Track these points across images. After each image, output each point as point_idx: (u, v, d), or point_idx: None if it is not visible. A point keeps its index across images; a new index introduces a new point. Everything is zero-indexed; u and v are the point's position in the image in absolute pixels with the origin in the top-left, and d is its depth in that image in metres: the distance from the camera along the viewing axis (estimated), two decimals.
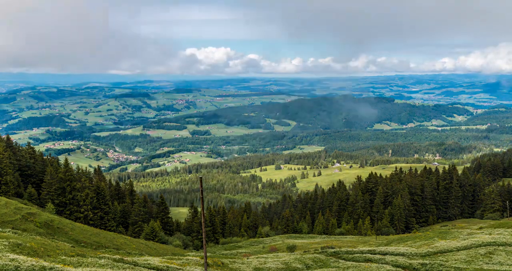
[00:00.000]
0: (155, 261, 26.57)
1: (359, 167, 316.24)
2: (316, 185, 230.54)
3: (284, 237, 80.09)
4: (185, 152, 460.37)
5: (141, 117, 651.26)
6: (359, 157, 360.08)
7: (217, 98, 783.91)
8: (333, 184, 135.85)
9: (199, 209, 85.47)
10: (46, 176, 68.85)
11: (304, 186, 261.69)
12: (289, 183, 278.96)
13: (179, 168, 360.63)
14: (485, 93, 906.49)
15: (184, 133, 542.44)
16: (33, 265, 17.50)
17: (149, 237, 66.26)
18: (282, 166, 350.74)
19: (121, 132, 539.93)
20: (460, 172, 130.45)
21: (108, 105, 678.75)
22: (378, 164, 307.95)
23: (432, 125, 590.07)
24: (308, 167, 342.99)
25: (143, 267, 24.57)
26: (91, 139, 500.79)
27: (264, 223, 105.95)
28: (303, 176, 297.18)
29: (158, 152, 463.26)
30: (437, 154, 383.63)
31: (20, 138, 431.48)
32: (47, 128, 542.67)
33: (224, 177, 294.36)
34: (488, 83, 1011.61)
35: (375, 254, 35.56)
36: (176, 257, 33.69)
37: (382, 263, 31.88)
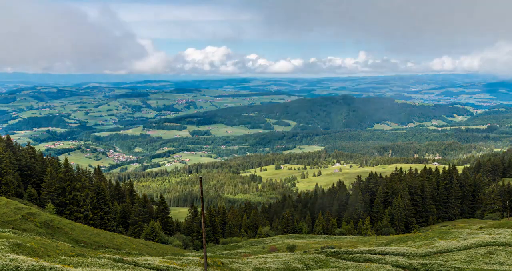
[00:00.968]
0: (155, 261, 26.57)
1: (359, 167, 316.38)
2: (316, 185, 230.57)
3: (284, 237, 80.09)
4: (185, 152, 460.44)
5: (141, 117, 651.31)
6: (359, 157, 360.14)
7: (217, 98, 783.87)
8: (333, 184, 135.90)
9: (199, 209, 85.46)
10: (46, 176, 68.85)
11: (304, 186, 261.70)
12: (289, 183, 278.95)
13: (179, 168, 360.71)
14: (485, 93, 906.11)
15: (184, 133, 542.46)
16: (33, 265, 17.50)
17: (149, 237, 66.25)
18: (282, 166, 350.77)
19: (121, 132, 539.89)
20: (460, 172, 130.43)
21: (108, 105, 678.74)
22: (378, 164, 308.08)
23: (432, 125, 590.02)
24: (308, 167, 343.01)
25: (143, 267, 24.56)
26: (91, 139, 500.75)
27: (264, 223, 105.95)
28: (303, 176, 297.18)
29: (158, 152, 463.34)
30: (437, 154, 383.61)
31: (20, 138, 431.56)
32: (47, 128, 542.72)
33: (224, 177, 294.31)
34: (488, 83, 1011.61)
35: (375, 254, 35.56)
36: (176, 257, 33.69)
37: (382, 263, 31.88)
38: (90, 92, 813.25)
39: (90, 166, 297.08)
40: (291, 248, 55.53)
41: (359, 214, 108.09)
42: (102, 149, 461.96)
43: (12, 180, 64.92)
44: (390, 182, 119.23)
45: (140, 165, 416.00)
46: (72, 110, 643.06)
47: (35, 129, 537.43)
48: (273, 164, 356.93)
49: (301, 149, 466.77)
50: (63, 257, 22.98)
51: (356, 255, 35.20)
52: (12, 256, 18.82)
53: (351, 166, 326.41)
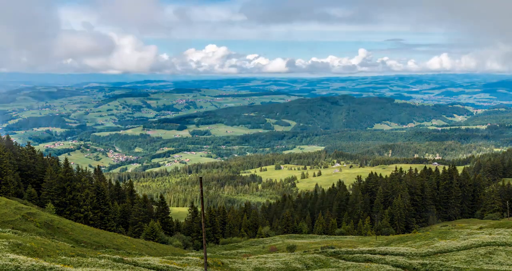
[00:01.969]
0: (155, 261, 26.58)
1: (359, 167, 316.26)
2: (316, 185, 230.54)
3: (284, 237, 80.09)
4: (185, 152, 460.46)
5: (141, 117, 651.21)
6: (359, 157, 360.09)
7: (217, 98, 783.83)
8: (333, 184, 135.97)
9: (199, 209, 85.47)
10: (46, 176, 68.84)
11: (304, 186, 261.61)
12: (289, 183, 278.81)
13: (179, 168, 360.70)
14: (485, 93, 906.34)
15: (184, 133, 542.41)
16: (33, 265, 17.51)
17: (149, 237, 66.25)
18: (282, 166, 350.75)
19: (121, 132, 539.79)
20: (460, 172, 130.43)
21: (108, 105, 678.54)
22: (378, 164, 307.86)
23: (432, 125, 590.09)
24: (308, 167, 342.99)
25: (143, 267, 24.57)
26: (91, 139, 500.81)
27: (264, 223, 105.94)
28: (303, 176, 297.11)
29: (158, 152, 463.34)
30: (437, 154, 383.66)
31: (20, 138, 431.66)
32: (47, 128, 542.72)
33: (224, 177, 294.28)
34: (488, 83, 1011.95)
35: (375, 254, 35.57)
36: (176, 257, 33.70)
37: (382, 263, 31.89)
38: (90, 92, 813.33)
39: (90, 166, 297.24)
40: (291, 248, 55.53)
41: (359, 214, 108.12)
42: (102, 149, 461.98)
43: (12, 180, 64.91)
44: (390, 182, 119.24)
45: (140, 165, 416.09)
46: (72, 110, 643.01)
47: (35, 129, 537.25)
48: (273, 164, 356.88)
49: (301, 149, 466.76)
50: (63, 257, 22.98)
51: (356, 255, 35.21)
52: (12, 256, 18.82)
53: (351, 166, 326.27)
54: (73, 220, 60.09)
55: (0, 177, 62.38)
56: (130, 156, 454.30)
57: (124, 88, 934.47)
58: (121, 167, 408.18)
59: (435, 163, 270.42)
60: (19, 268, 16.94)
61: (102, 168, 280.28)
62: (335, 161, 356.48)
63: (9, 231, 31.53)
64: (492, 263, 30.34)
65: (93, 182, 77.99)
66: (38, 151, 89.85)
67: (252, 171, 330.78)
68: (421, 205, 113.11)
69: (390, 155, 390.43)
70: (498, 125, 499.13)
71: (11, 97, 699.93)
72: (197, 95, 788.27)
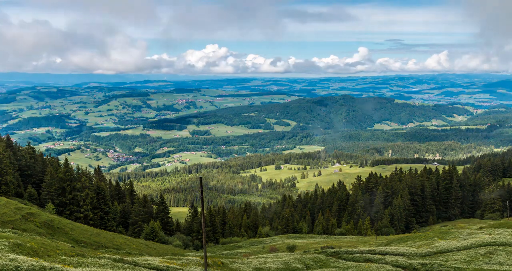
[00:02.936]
0: (155, 261, 26.57)
1: (359, 167, 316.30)
2: (316, 185, 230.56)
3: (284, 237, 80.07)
4: (185, 152, 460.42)
5: (141, 117, 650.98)
6: (359, 157, 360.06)
7: (217, 98, 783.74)
8: (333, 184, 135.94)
9: (199, 209, 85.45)
10: (46, 176, 68.83)
11: (304, 186, 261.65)
12: (289, 183, 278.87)
13: (179, 168, 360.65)
14: (485, 93, 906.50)
15: (184, 133, 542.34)
16: (33, 265, 17.50)
17: (149, 237, 66.25)
18: (282, 166, 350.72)
19: (121, 132, 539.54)
20: (460, 172, 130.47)
21: (108, 105, 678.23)
22: (378, 164, 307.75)
23: (432, 125, 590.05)
24: (308, 167, 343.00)
25: (143, 267, 24.57)
26: (91, 139, 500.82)
27: (264, 223, 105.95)
28: (303, 176, 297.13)
29: (158, 152, 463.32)
30: (437, 154, 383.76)
31: (20, 138, 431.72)
32: (47, 128, 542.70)
33: (224, 177, 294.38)
34: (488, 83, 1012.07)
35: (375, 254, 35.58)
36: (176, 257, 33.71)
37: (382, 263, 31.89)
38: (90, 92, 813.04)
39: (90, 166, 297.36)
40: (291, 248, 55.51)
41: (359, 214, 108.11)
42: (102, 149, 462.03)
43: (12, 180, 64.90)
44: (390, 182, 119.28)
45: (140, 165, 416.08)
46: (72, 110, 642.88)
47: (35, 129, 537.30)
48: (273, 164, 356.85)
49: (301, 149, 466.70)
50: (63, 257, 22.97)
51: (356, 255, 35.21)
52: (12, 256, 18.81)
53: (351, 166, 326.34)
54: (73, 220, 60.09)
55: (0, 177, 62.37)
56: (130, 156, 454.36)
57: (124, 88, 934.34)
58: (121, 167, 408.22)
59: (435, 163, 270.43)
60: (19, 268, 16.94)
61: (102, 168, 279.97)
62: (335, 161, 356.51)
63: (9, 231, 31.53)
64: (492, 263, 30.34)
65: (93, 182, 77.92)
66: (38, 151, 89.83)
67: (252, 171, 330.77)
68: (421, 205, 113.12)
69: (390, 155, 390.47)
70: (498, 125, 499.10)
71: (11, 97, 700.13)
72: (197, 95, 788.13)
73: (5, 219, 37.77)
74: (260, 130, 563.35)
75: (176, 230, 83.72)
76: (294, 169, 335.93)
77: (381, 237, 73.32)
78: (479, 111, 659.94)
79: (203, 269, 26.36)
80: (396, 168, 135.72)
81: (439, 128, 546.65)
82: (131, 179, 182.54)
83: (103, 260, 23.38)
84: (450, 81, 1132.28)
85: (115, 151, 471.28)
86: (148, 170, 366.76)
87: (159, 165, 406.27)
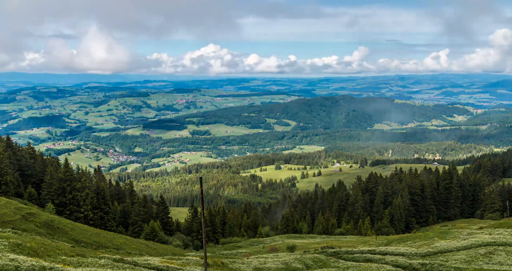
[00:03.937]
0: (155, 261, 26.57)
1: (359, 167, 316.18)
2: (316, 185, 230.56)
3: (284, 237, 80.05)
4: (185, 152, 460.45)
5: (141, 117, 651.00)
6: (359, 157, 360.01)
7: (217, 98, 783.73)
8: (333, 184, 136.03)
9: (199, 209, 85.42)
10: (46, 176, 68.82)
11: (304, 186, 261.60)
12: (289, 183, 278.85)
13: (179, 168, 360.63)
14: (485, 93, 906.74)
15: (184, 133, 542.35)
16: (33, 265, 17.50)
17: (149, 237, 66.25)
18: (282, 166, 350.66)
19: (121, 132, 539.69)
20: (460, 172, 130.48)
21: (108, 105, 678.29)
22: (378, 164, 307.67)
23: (432, 125, 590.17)
24: (308, 167, 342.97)
25: (143, 267, 24.57)
26: (91, 139, 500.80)
27: (264, 223, 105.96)
28: (303, 176, 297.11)
29: (158, 152, 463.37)
30: (437, 154, 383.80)
31: (20, 138, 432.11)
32: (47, 128, 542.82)
33: (224, 177, 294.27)
34: (488, 83, 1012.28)
35: (375, 254, 35.58)
36: (176, 257, 33.72)
37: (382, 263, 31.89)
38: (90, 92, 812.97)
39: (90, 166, 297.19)
40: (291, 248, 55.50)
41: (359, 214, 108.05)
42: (102, 149, 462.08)
43: (12, 180, 64.88)
44: (390, 182, 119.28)
45: (140, 165, 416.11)
46: (72, 110, 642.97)
47: (35, 129, 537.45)
48: (273, 164, 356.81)
49: (301, 149, 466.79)
50: (63, 257, 22.97)
51: (356, 255, 35.21)
52: (12, 256, 18.81)
53: (351, 166, 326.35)
54: (73, 220, 60.09)
55: (0, 177, 62.36)
56: (130, 156, 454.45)
57: (124, 88, 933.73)
58: (121, 167, 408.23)
59: (435, 163, 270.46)
60: (19, 268, 16.94)
61: (102, 168, 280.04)
62: (335, 161, 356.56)
63: (9, 231, 31.53)
64: (492, 263, 30.34)
65: (93, 182, 77.95)
66: (38, 151, 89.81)
67: (252, 171, 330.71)
68: (421, 205, 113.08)
69: (390, 155, 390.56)
70: (498, 125, 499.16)
71: (11, 97, 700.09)
72: (197, 95, 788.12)
73: (5, 219, 37.77)
74: (260, 130, 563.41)
75: (176, 230, 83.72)
76: (294, 169, 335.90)
77: (381, 237, 73.31)
78: (479, 111, 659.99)
79: (203, 269, 26.36)
80: (396, 168, 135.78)
81: (439, 128, 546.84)
82: (131, 179, 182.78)
83: (103, 260, 23.38)
84: (450, 81, 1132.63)
85: (115, 151, 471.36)
86: (148, 170, 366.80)
87: (159, 165, 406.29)
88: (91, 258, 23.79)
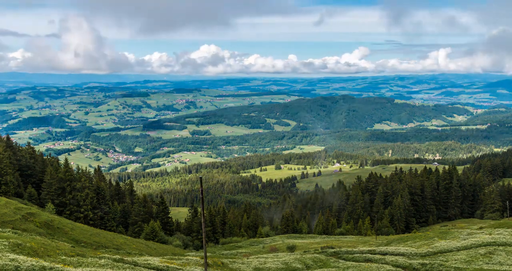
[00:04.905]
0: (155, 261, 26.57)
1: (359, 167, 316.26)
2: (316, 185, 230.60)
3: (284, 237, 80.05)
4: (185, 152, 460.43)
5: (141, 117, 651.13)
6: (359, 157, 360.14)
7: (217, 98, 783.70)
8: (333, 184, 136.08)
9: (199, 209, 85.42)
10: (46, 176, 68.80)
11: (304, 186, 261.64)
12: (289, 183, 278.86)
13: (179, 168, 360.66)
14: (485, 93, 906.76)
15: (184, 133, 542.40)
16: (33, 265, 17.50)
17: (149, 237, 66.23)
18: (282, 166, 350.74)
19: (121, 132, 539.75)
20: (460, 172, 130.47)
21: (108, 105, 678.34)
22: (378, 164, 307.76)
23: (432, 125, 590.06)
24: (308, 167, 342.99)
25: (143, 267, 24.57)
26: (91, 139, 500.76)
27: (264, 223, 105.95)
28: (303, 176, 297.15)
29: (158, 152, 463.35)
30: (437, 154, 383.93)
31: (20, 138, 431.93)
32: (47, 128, 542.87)
33: (224, 177, 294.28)
34: (488, 83, 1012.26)
35: (375, 254, 35.58)
36: (176, 257, 33.72)
37: (382, 263, 31.89)
38: (90, 92, 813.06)
39: (90, 166, 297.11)
40: (291, 248, 55.51)
41: (359, 214, 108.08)
42: (102, 149, 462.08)
43: (12, 180, 64.86)
44: (390, 182, 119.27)
45: (140, 165, 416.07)
46: (72, 110, 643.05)
47: (35, 129, 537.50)
48: (273, 164, 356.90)
49: (301, 149, 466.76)
50: (63, 257, 22.97)
51: (356, 255, 35.21)
52: (12, 256, 18.81)
53: (351, 166, 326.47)
54: (73, 220, 60.08)
55: (0, 177, 62.36)
56: (130, 156, 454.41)
57: (124, 88, 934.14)
58: (121, 167, 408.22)
59: (435, 163, 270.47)
60: (19, 268, 16.94)
61: (102, 168, 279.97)
62: (335, 161, 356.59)
63: (9, 231, 31.52)
64: (492, 263, 30.34)
65: (93, 182, 77.90)
66: (38, 151, 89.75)
67: (252, 171, 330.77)
68: (421, 205, 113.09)
69: (390, 155, 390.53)
70: (498, 125, 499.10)
71: (11, 97, 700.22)
72: (197, 95, 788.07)
73: (5, 219, 37.78)
74: (260, 130, 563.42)
75: (176, 230, 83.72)
76: (294, 169, 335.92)
77: (381, 237, 73.31)
78: (479, 111, 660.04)
79: (203, 269, 26.36)
80: (396, 168, 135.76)
81: (439, 128, 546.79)
82: (131, 179, 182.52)
83: (103, 260, 23.37)
84: (450, 81, 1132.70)
85: (115, 151, 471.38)
86: (148, 170, 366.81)
87: (159, 165, 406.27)
88: (91, 258, 23.79)
